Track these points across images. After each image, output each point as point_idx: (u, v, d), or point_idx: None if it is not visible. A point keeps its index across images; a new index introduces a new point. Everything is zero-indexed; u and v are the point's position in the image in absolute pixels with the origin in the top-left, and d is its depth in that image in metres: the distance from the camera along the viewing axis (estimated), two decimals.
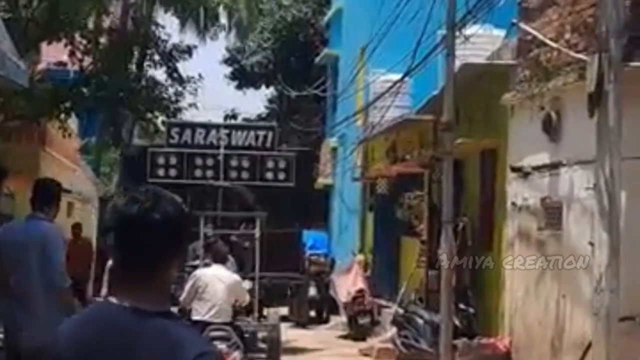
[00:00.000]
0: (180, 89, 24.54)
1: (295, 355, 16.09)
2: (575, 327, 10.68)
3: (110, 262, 15.55)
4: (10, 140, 17.43)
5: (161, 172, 17.51)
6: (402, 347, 14.38)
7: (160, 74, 26.95)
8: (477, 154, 14.61)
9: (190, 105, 23.45)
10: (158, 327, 2.64)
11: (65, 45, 17.75)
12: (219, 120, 32.10)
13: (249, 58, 36.73)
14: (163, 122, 21.03)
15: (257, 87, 39.14)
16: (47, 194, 7.39)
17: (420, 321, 14.23)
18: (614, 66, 8.59)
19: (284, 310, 18.78)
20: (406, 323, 14.54)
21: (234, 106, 39.40)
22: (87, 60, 18.12)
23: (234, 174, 17.52)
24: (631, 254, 9.18)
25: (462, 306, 13.52)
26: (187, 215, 2.83)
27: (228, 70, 39.32)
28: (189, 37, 35.09)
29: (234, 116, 38.11)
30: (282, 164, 17.78)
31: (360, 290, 19.06)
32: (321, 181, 28.63)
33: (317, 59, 31.37)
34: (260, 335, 14.61)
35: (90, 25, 19.86)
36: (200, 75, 25.54)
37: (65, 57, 18.52)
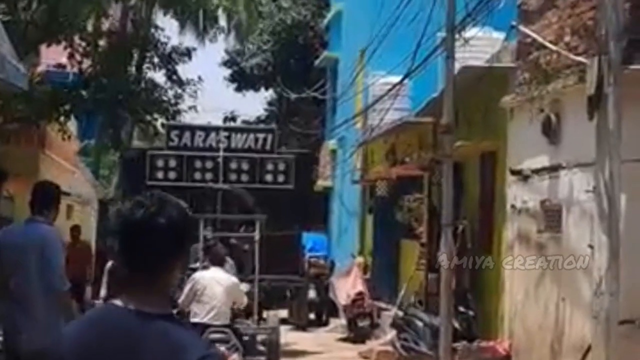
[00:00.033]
0: (179, 91, 24.61)
1: (295, 358, 16.08)
2: (574, 330, 10.67)
3: (109, 264, 15.60)
4: (9, 143, 17.45)
5: (160, 174, 17.51)
6: (402, 350, 14.36)
7: (159, 77, 26.96)
8: (477, 157, 14.61)
9: (190, 107, 23.49)
10: (160, 329, 2.67)
11: (65, 48, 17.76)
12: (219, 122, 32.09)
13: (249, 60, 36.72)
14: (162, 125, 21.03)
15: (256, 90, 39.13)
16: (47, 197, 7.38)
17: (420, 324, 14.21)
18: (613, 69, 8.59)
19: (283, 313, 18.76)
20: (406, 326, 14.52)
21: (234, 108, 39.39)
22: (87, 63, 18.13)
23: (233, 177, 17.52)
24: (631, 257, 9.17)
25: (461, 309, 13.51)
26: (191, 219, 2.88)
27: (227, 72, 39.35)
28: (189, 40, 35.12)
29: (234, 118, 38.11)
30: (281, 167, 17.78)
31: (360, 293, 19.05)
32: (321, 183, 28.62)
33: (316, 62, 31.37)
34: (259, 338, 14.59)
35: (90, 27, 19.85)
36: (199, 78, 25.65)
37: (64, 60, 18.53)
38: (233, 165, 17.58)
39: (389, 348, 15.12)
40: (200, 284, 11.40)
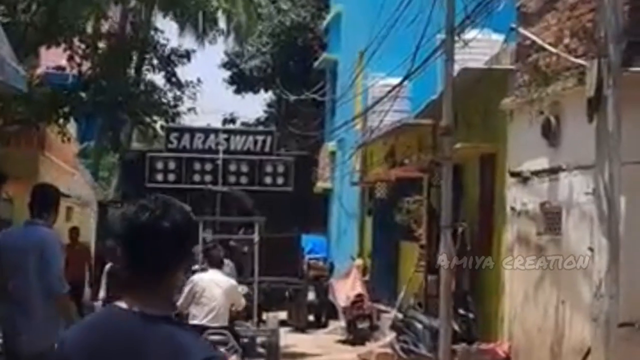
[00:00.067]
0: (179, 93, 24.61)
1: None
2: (574, 333, 10.66)
3: (108, 266, 15.59)
4: (9, 145, 17.44)
5: (160, 176, 17.51)
6: (401, 352, 14.35)
7: (159, 79, 26.97)
8: (476, 159, 14.60)
9: (189, 109, 23.46)
10: (165, 331, 2.71)
11: (64, 50, 17.75)
12: (218, 124, 32.12)
13: (248, 62, 36.73)
14: (162, 127, 21.02)
15: (255, 92, 39.15)
16: (46, 201, 7.38)
17: (420, 326, 14.20)
18: (613, 71, 8.59)
19: (282, 315, 18.76)
20: (405, 328, 14.51)
21: (233, 110, 39.41)
22: (86, 65, 18.11)
23: (232, 179, 17.52)
24: (631, 260, 9.17)
25: (461, 311, 13.50)
26: (195, 223, 2.93)
27: (227, 74, 39.37)
28: (188, 42, 35.07)
29: (233, 120, 38.13)
30: (280, 169, 17.78)
31: (359, 295, 19.04)
32: (320, 185, 28.63)
33: (315, 63, 31.38)
34: (259, 340, 14.59)
35: (89, 29, 19.84)
36: (198, 80, 25.62)
37: (64, 62, 18.52)
38: (232, 168, 17.59)
39: (389, 350, 15.11)
40: (199, 286, 11.39)
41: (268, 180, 17.67)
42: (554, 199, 11.57)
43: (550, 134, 11.53)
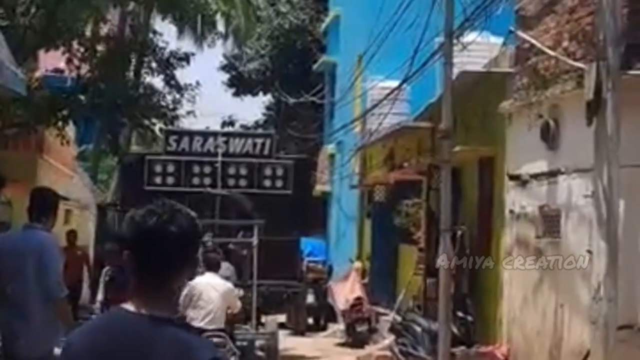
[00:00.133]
0: (177, 96, 24.61)
1: None
2: (573, 336, 10.66)
3: (106, 268, 15.59)
4: (7, 148, 17.43)
5: (159, 179, 17.50)
6: (400, 355, 14.35)
7: (157, 82, 26.99)
8: (475, 162, 14.60)
9: (188, 112, 23.51)
10: (170, 333, 2.77)
11: (63, 53, 17.75)
12: (217, 127, 32.12)
13: (247, 65, 36.74)
14: (161, 130, 21.01)
15: (254, 94, 39.15)
16: (45, 205, 7.37)
17: (418, 329, 14.20)
18: (611, 74, 8.60)
19: (281, 318, 18.76)
20: (404, 331, 14.51)
21: (232, 113, 39.41)
22: (85, 68, 18.10)
23: (231, 182, 17.51)
24: (629, 262, 9.17)
25: (460, 314, 13.50)
26: (200, 228, 3.00)
27: (225, 77, 39.39)
28: (187, 45, 35.11)
29: (232, 123, 38.13)
30: (279, 172, 17.77)
31: (358, 298, 19.04)
32: (319, 188, 28.62)
33: (314, 66, 31.39)
34: (258, 343, 14.57)
35: (88, 32, 19.82)
36: (197, 83, 25.61)
37: (62, 65, 18.51)
38: (231, 171, 17.57)
39: (387, 353, 15.11)
40: (197, 290, 11.41)
41: (267, 183, 17.66)
42: (553, 202, 11.57)
43: (549, 137, 11.53)
